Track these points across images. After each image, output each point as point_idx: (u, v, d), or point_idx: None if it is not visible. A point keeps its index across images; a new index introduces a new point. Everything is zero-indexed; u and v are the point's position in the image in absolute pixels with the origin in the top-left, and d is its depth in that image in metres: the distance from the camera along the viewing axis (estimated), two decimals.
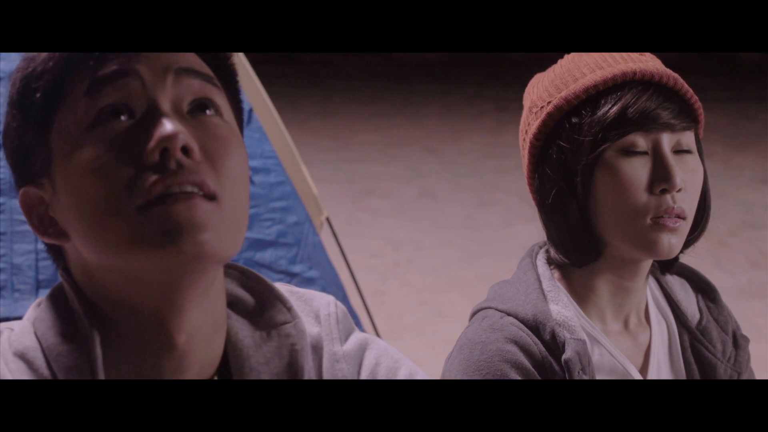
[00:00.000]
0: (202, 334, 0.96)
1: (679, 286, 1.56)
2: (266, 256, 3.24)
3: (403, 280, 5.69)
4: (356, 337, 1.08)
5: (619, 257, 1.43)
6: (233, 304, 1.04)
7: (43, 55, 0.94)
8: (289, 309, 1.04)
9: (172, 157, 0.88)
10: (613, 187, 1.37)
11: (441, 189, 8.12)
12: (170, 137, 0.88)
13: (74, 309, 0.95)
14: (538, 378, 1.37)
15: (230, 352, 1.00)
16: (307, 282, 3.30)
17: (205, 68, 0.97)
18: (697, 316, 1.54)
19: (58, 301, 0.97)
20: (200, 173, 0.89)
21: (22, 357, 0.93)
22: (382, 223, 7.01)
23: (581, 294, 1.46)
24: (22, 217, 2.96)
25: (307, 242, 3.35)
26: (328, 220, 3.88)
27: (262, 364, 1.00)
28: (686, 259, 1.50)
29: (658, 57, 1.45)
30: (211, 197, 0.90)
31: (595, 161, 1.38)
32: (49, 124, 0.93)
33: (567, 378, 1.35)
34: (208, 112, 0.94)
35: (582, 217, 1.41)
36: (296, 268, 3.30)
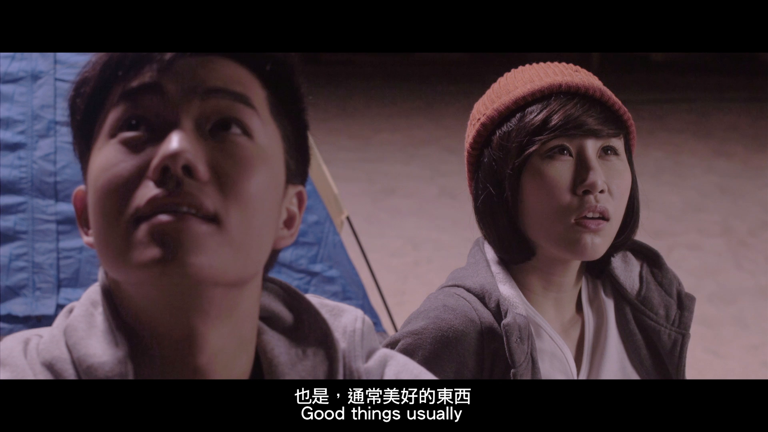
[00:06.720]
0: (226, 353, 0.94)
1: (619, 260, 1.61)
2: (286, 255, 3.25)
3: (424, 279, 5.69)
4: (378, 354, 1.06)
5: (550, 257, 1.50)
6: (270, 319, 1.02)
7: (94, 60, 0.94)
8: (327, 329, 1.01)
9: (172, 176, 0.86)
10: (538, 189, 1.44)
11: (461, 188, 8.09)
12: (172, 156, 0.86)
13: (107, 320, 0.93)
14: (477, 338, 1.43)
15: (265, 368, 0.98)
16: (327, 281, 3.31)
17: (240, 87, 0.94)
18: (637, 285, 1.60)
19: (90, 311, 0.95)
20: (199, 195, 0.87)
21: (51, 368, 0.91)
22: (402, 222, 7.01)
23: (518, 289, 1.52)
24: (44, 216, 2.99)
25: (328, 241, 3.36)
26: (348, 219, 3.89)
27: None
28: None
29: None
30: (210, 219, 0.87)
31: (522, 166, 1.45)
32: (91, 130, 0.94)
33: (505, 343, 1.42)
34: (232, 130, 0.92)
35: (510, 221, 1.48)
36: (316, 267, 3.31)
